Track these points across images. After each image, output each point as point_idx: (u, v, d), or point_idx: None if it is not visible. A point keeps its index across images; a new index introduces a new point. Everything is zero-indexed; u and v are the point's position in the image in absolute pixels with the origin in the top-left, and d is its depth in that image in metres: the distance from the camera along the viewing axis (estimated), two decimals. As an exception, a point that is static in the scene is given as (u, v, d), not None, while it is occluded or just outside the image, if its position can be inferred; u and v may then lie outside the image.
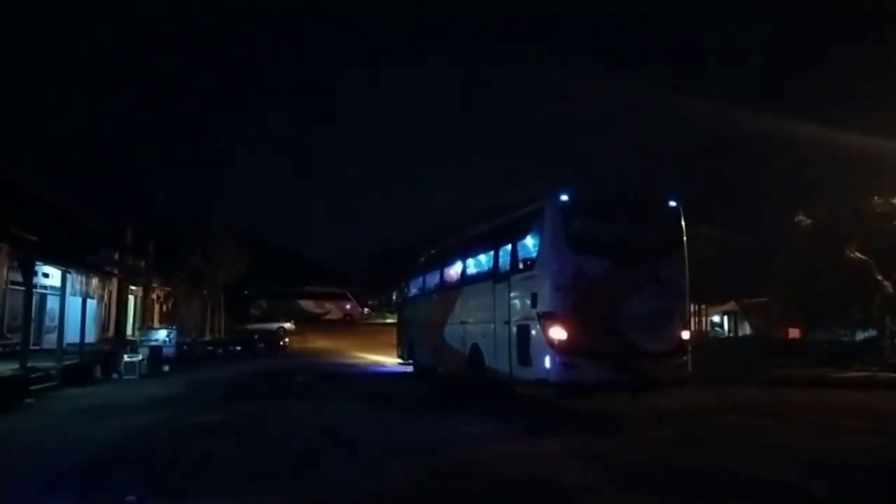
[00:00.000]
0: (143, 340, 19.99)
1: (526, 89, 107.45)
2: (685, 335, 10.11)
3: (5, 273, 15.50)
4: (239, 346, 27.95)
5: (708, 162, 30.84)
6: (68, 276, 15.47)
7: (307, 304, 51.23)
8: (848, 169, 20.30)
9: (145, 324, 24.50)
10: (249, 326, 36.86)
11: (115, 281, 22.18)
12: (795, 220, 20.51)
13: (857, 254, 18.28)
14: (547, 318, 9.46)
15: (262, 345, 29.30)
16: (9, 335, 16.73)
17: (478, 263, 12.97)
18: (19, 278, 14.81)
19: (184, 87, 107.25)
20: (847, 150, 19.03)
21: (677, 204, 10.51)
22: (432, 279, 16.07)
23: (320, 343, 34.70)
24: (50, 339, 17.59)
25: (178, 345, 21.55)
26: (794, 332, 24.99)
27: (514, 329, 10.40)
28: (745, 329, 32.77)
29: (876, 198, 18.39)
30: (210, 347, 27.04)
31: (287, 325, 38.39)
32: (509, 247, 11.13)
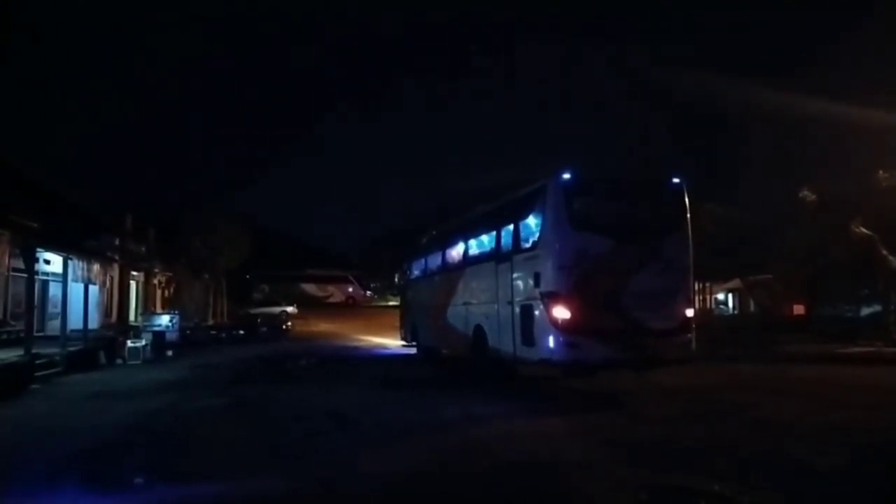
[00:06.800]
0: (146, 326, 20.05)
1: (519, 68, 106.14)
2: (689, 313, 10.07)
3: (7, 260, 15.46)
4: (242, 330, 27.97)
5: (710, 138, 30.46)
6: (70, 262, 15.44)
7: (310, 288, 51.38)
8: (853, 143, 20.03)
9: (148, 309, 24.54)
10: (252, 310, 36.89)
11: (116, 267, 22.13)
12: (800, 195, 20.30)
13: (863, 229, 18.13)
14: (550, 297, 9.41)
15: (264, 329, 29.34)
16: (12, 322, 16.77)
17: (480, 244, 12.89)
18: (21, 265, 14.77)
19: (181, 73, 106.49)
20: (852, 124, 18.76)
21: (680, 182, 10.41)
22: (434, 261, 16.00)
23: (323, 326, 34.75)
24: (53, 326, 17.63)
25: (181, 330, 21.61)
26: (798, 309, 24.93)
27: (518, 309, 10.36)
28: (751, 306, 32.70)
29: (881, 172, 18.16)
30: (213, 332, 27.08)
31: (290, 309, 38.42)
32: (511, 227, 11.03)
